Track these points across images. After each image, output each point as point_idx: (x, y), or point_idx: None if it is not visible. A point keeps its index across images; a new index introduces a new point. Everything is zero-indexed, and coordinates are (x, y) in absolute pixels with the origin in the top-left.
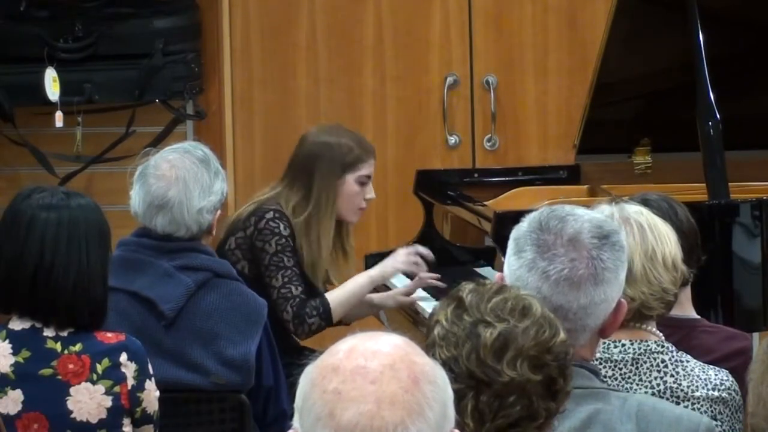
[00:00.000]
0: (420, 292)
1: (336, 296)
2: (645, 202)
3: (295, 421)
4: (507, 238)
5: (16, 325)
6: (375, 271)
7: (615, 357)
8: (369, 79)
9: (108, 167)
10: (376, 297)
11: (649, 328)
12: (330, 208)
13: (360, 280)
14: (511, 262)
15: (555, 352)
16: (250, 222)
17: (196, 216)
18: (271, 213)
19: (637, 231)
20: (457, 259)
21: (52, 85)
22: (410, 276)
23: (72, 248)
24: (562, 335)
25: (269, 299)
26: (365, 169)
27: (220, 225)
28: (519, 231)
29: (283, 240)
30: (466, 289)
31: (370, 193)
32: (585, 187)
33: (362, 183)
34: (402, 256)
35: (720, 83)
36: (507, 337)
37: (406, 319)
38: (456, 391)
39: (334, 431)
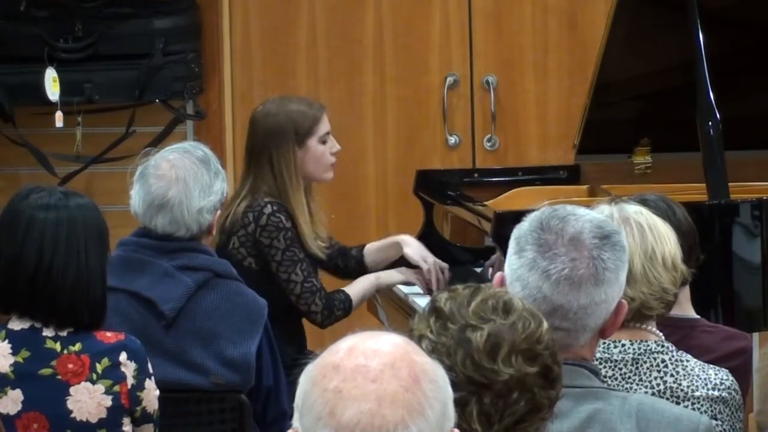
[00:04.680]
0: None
1: (353, 293)
2: (643, 202)
3: (295, 421)
4: (507, 238)
5: (16, 325)
6: (383, 276)
7: (615, 357)
8: (369, 79)
9: (108, 167)
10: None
11: (649, 328)
12: (295, 180)
13: (369, 281)
14: (512, 261)
15: (544, 341)
16: (248, 218)
17: (196, 216)
18: (269, 207)
19: (637, 231)
20: (457, 259)
21: (52, 85)
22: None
23: (71, 248)
24: (545, 324)
25: (283, 293)
26: (323, 128)
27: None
28: (520, 230)
29: (289, 233)
30: (441, 298)
31: (335, 146)
32: (585, 187)
33: (324, 141)
34: (415, 272)
35: (720, 83)
36: (496, 335)
37: (402, 315)
38: (458, 400)
39: (334, 430)
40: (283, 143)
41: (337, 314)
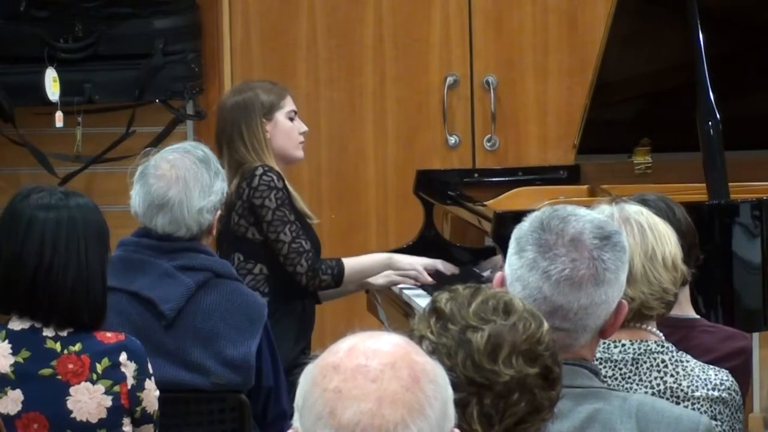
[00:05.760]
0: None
1: (351, 264)
2: (643, 202)
3: (295, 421)
4: (507, 238)
5: (16, 325)
6: (396, 256)
7: (615, 357)
8: (369, 79)
9: (108, 167)
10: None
11: (649, 328)
12: (267, 151)
13: (378, 258)
14: (512, 261)
15: (545, 342)
16: (242, 187)
17: (197, 216)
18: (260, 168)
19: (637, 231)
20: (457, 259)
21: (52, 85)
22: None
23: (71, 248)
24: (546, 324)
25: (276, 255)
26: (288, 105)
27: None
28: (521, 230)
29: (281, 193)
30: (442, 299)
31: (302, 126)
32: (585, 187)
33: (291, 118)
34: (425, 260)
35: (720, 83)
36: (497, 336)
37: (402, 315)
38: (458, 401)
39: (335, 430)
40: (252, 117)
41: (324, 278)
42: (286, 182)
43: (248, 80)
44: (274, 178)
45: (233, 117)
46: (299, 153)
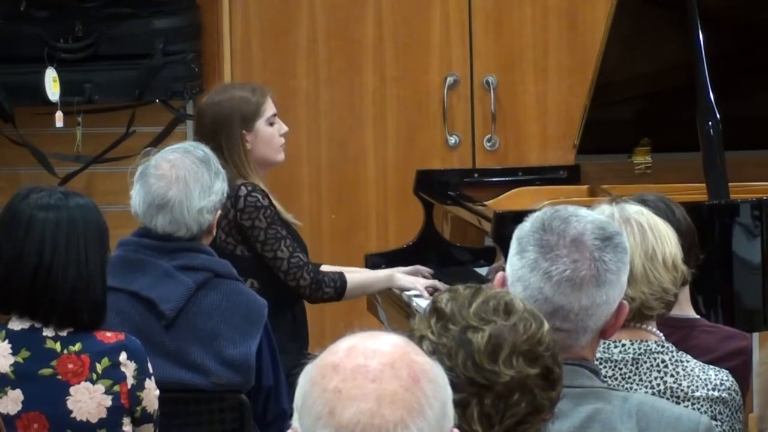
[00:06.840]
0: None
1: (354, 279)
2: (642, 203)
3: (295, 421)
4: (507, 238)
5: (16, 325)
6: (398, 275)
7: (615, 357)
8: (369, 79)
9: (108, 167)
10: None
11: (650, 328)
12: (248, 165)
13: (381, 275)
14: (513, 261)
15: (546, 342)
16: (227, 206)
17: (197, 216)
18: (243, 189)
19: (638, 231)
20: (457, 259)
21: (52, 85)
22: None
23: (71, 248)
24: (546, 325)
25: (275, 271)
26: (269, 110)
27: None
28: (522, 231)
29: (269, 211)
30: (443, 299)
31: (283, 127)
32: (585, 187)
33: (271, 123)
34: (425, 282)
35: (720, 83)
36: (498, 337)
37: (402, 315)
38: (459, 401)
39: (334, 430)
40: (232, 130)
41: (327, 290)
42: (270, 197)
43: (228, 84)
44: (259, 197)
45: (212, 130)
46: (280, 157)
